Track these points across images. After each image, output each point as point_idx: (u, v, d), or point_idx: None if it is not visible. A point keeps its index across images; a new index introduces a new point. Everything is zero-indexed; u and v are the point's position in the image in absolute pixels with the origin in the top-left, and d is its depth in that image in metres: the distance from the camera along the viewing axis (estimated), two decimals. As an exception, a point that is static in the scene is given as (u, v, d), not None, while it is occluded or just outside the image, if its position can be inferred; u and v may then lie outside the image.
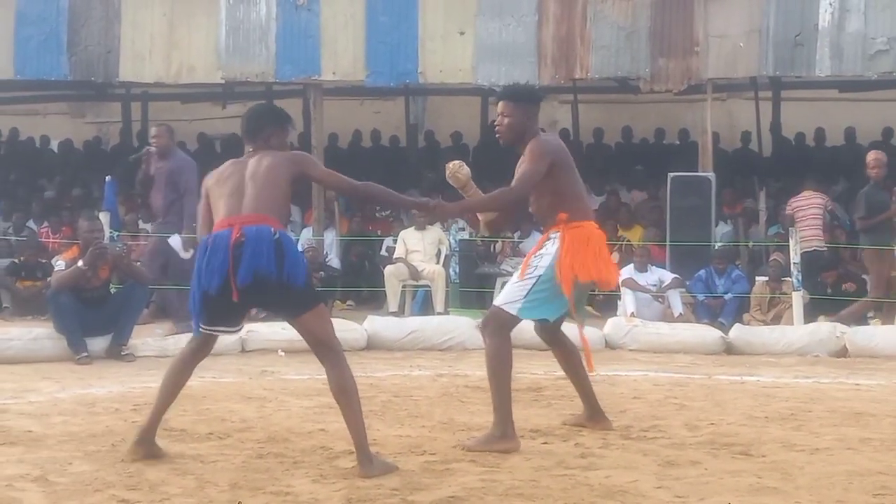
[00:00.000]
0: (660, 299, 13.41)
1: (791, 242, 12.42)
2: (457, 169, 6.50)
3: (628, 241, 15.13)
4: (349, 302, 15.23)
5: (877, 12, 14.39)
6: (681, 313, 13.15)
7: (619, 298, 13.36)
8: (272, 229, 5.41)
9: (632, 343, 11.14)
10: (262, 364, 9.84)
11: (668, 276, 13.55)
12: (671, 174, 14.80)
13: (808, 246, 13.57)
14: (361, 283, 15.44)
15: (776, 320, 12.90)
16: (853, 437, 6.52)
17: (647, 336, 11.17)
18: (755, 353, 10.93)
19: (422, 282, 14.38)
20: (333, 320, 6.09)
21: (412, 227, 14.80)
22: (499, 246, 15.20)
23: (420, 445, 6.22)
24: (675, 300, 13.33)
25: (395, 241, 15.00)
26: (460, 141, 19.41)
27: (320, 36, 15.33)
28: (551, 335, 6.62)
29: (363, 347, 10.87)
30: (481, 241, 14.78)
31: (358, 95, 18.69)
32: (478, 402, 7.61)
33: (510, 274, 14.14)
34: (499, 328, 6.21)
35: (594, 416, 6.73)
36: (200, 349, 5.79)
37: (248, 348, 10.56)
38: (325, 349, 5.54)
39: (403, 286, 14.39)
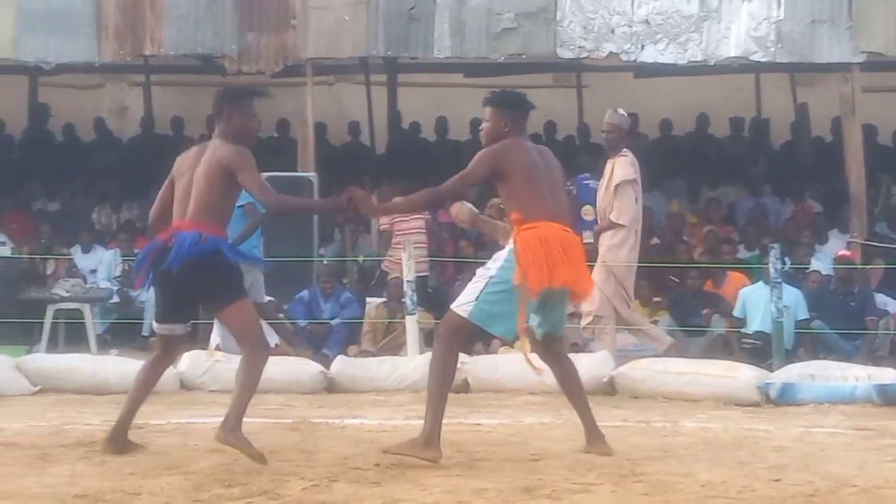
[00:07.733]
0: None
1: (405, 257, 12.54)
2: (456, 215, 7.92)
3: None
4: None
5: (503, -17, 14.76)
6: (276, 344, 13.08)
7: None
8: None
9: (212, 383, 11.07)
10: None
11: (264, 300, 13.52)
12: (265, 174, 14.71)
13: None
14: None
15: (391, 351, 13.03)
16: (466, 488, 6.70)
17: (230, 374, 10.65)
18: (362, 391, 11.14)
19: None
20: None
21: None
22: (51, 266, 14.83)
23: None
24: (268, 329, 13.30)
25: None
26: (3, 131, 18.89)
27: None
28: (551, 350, 7.69)
29: None
30: (28, 258, 14.34)
31: None
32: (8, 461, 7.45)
33: (63, 299, 14.15)
34: (449, 333, 7.35)
35: (592, 439, 7.72)
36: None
37: None
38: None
39: None
